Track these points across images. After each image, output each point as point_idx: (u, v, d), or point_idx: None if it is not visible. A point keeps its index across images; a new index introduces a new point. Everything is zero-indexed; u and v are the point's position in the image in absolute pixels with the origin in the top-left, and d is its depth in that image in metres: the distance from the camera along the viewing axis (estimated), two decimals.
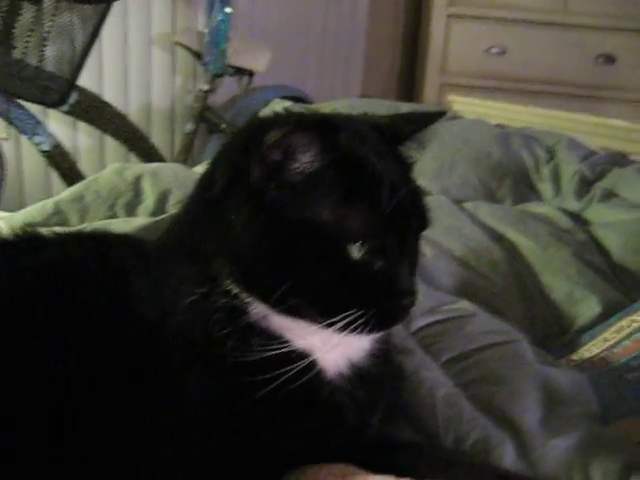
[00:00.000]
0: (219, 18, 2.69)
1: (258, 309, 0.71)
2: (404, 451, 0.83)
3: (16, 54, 1.85)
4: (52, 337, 0.70)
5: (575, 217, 1.54)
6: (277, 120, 0.73)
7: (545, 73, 3.37)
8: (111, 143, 2.45)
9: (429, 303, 1.06)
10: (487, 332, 1.00)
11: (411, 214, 0.72)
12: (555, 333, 1.26)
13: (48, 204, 1.29)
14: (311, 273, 0.68)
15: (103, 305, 0.73)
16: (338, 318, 0.69)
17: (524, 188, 1.70)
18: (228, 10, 2.72)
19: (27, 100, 1.90)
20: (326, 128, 0.69)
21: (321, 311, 0.70)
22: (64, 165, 2.11)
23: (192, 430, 0.71)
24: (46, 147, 2.06)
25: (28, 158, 2.34)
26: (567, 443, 0.79)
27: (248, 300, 0.71)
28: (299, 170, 0.68)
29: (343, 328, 0.69)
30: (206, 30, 2.74)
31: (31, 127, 2.02)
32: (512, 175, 1.71)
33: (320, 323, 0.70)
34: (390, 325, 0.75)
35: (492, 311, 1.16)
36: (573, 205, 1.60)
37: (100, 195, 1.31)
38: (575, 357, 1.15)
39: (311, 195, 0.68)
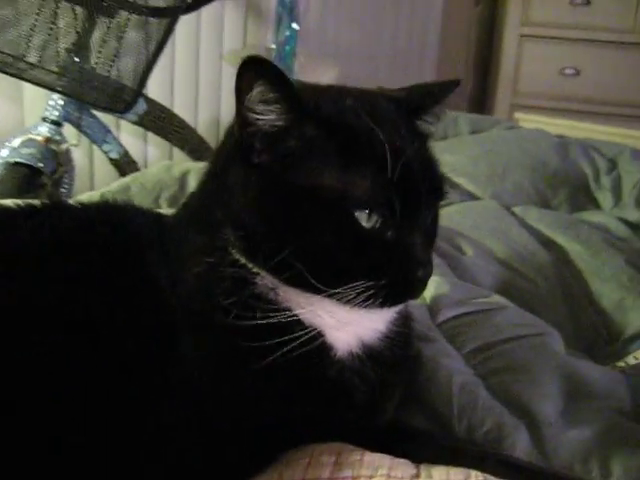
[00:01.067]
0: (286, 34, 2.75)
1: (265, 280, 0.70)
2: (415, 440, 0.80)
3: (89, 64, 1.95)
4: (64, 296, 0.72)
5: (634, 226, 1.47)
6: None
7: (620, 94, 3.27)
8: (178, 155, 2.52)
9: (459, 295, 1.02)
10: (517, 325, 0.95)
11: (422, 183, 0.69)
12: (602, 341, 1.19)
13: (95, 195, 1.33)
14: (314, 239, 0.67)
15: (116, 270, 0.74)
16: (346, 288, 0.66)
17: (582, 197, 1.64)
18: (295, 27, 2.78)
19: (96, 107, 1.98)
20: (311, 93, 0.69)
21: (327, 280, 0.67)
22: (131, 173, 2.18)
23: (193, 397, 0.70)
24: (114, 155, 2.13)
25: (99, 166, 2.43)
26: (586, 434, 0.74)
27: (255, 271, 0.70)
28: (273, 129, 0.67)
29: (352, 300, 0.67)
30: (273, 46, 2.81)
31: (101, 136, 2.10)
32: (569, 184, 1.66)
33: (326, 293, 0.67)
34: (403, 298, 0.71)
35: (533, 313, 1.11)
36: (633, 215, 1.53)
37: (145, 187, 1.34)
38: (620, 364, 1.09)
39: (306, 160, 0.67)
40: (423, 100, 0.76)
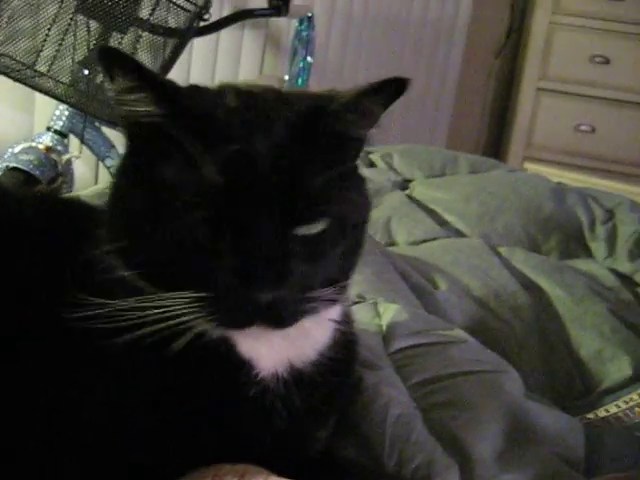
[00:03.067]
0: (300, 66, 2.76)
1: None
2: (342, 473, 0.74)
3: (98, 79, 1.95)
4: None
5: (624, 277, 1.41)
6: None
7: (635, 154, 3.21)
8: None
9: (418, 325, 0.96)
10: (471, 360, 0.89)
11: (267, 195, 0.60)
12: (576, 391, 1.13)
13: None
14: (146, 235, 0.62)
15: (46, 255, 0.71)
16: (175, 295, 0.60)
17: (574, 245, 1.58)
18: (309, 59, 2.79)
19: (102, 120, 1.98)
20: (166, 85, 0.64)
21: (156, 282, 0.62)
22: None
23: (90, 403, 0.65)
24: None
25: (104, 180, 2.42)
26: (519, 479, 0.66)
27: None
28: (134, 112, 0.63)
29: (181, 310, 0.60)
30: (287, 77, 2.81)
31: (104, 150, 2.09)
32: (562, 230, 1.59)
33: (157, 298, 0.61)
34: (236, 320, 0.62)
35: (504, 357, 1.04)
36: (625, 266, 1.47)
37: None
38: (590, 415, 1.02)
39: (157, 154, 0.63)
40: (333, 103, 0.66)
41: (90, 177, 2.40)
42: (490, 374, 0.85)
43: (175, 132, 0.61)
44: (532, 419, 0.78)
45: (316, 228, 0.62)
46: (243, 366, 0.67)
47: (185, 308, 0.60)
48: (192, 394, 0.66)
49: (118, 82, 0.62)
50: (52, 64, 1.85)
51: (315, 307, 0.64)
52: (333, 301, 0.66)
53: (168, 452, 0.66)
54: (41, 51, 1.84)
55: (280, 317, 0.62)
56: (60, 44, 1.89)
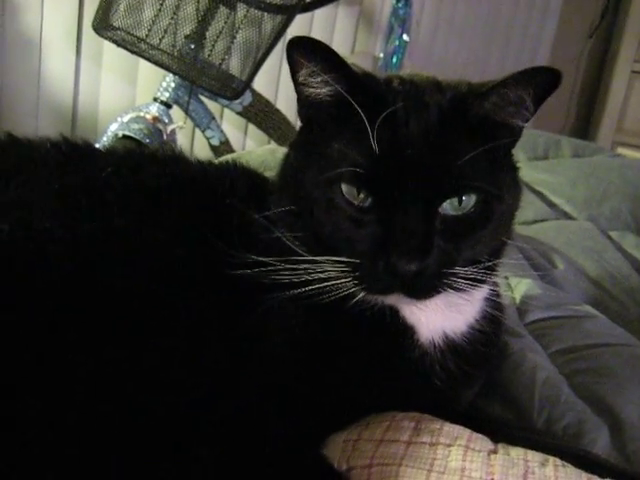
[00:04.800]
0: (395, 44, 2.80)
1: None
2: (493, 424, 0.81)
3: (204, 52, 2.04)
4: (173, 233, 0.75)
5: None
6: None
7: None
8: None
9: (549, 300, 1.03)
10: (606, 333, 0.95)
11: (415, 170, 0.66)
12: None
13: None
14: (310, 206, 0.71)
15: (220, 219, 0.78)
16: (327, 259, 0.68)
17: None
18: (405, 38, 2.82)
19: (206, 91, 2.07)
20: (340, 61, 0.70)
21: (314, 248, 0.70)
22: None
23: (272, 359, 0.73)
24: (215, 142, 2.22)
25: (199, 151, 2.52)
26: None
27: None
28: (315, 93, 0.71)
29: (333, 272, 0.68)
30: (381, 55, 2.85)
31: (206, 121, 2.19)
32: None
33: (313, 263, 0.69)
34: (378, 287, 0.68)
35: None
36: None
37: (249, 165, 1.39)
38: None
39: (330, 127, 0.71)
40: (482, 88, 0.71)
41: (186, 147, 2.51)
42: (626, 347, 0.91)
43: (350, 109, 0.68)
44: None
45: (462, 208, 0.68)
46: (407, 330, 0.75)
47: (334, 272, 0.68)
48: (362, 352, 0.73)
49: (306, 67, 0.71)
50: (163, 38, 1.96)
51: (455, 284, 0.69)
52: (478, 281, 0.71)
53: (342, 403, 0.74)
54: (154, 25, 1.95)
55: (418, 289, 0.68)
56: (172, 18, 1.99)
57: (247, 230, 0.75)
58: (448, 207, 0.68)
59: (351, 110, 0.68)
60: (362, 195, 0.68)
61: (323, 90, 0.72)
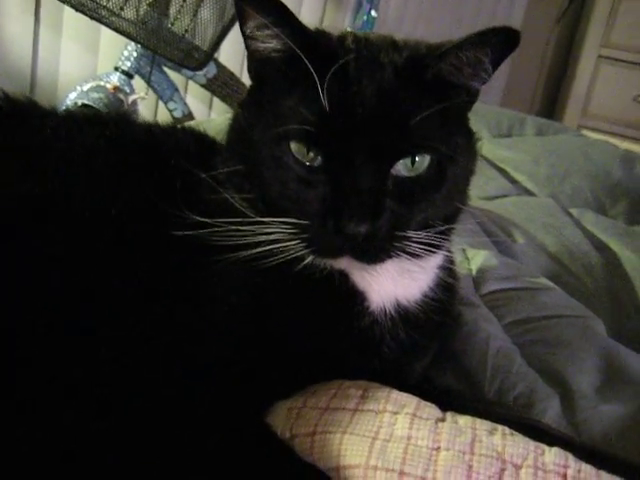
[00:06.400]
0: (363, 20, 2.76)
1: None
2: (443, 394, 0.79)
3: (167, 22, 1.98)
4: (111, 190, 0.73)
5: None
6: None
7: None
8: None
9: (506, 272, 1.01)
10: (561, 305, 0.94)
11: (373, 133, 0.64)
12: None
13: None
14: (260, 166, 0.68)
15: (162, 176, 0.76)
16: (275, 221, 0.66)
17: None
18: (374, 14, 2.78)
19: (169, 61, 2.02)
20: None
21: (263, 210, 0.68)
22: None
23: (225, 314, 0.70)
24: (178, 114, 2.16)
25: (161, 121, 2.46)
26: (621, 411, 0.72)
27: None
28: (264, 48, 0.68)
29: (281, 235, 0.66)
30: (350, 30, 2.81)
31: (169, 93, 2.14)
32: (630, 197, 1.62)
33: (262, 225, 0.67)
34: (327, 250, 0.66)
35: None
36: None
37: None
38: None
39: (279, 82, 0.69)
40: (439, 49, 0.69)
41: (149, 119, 2.44)
42: (580, 319, 0.91)
43: (300, 65, 0.65)
44: (623, 360, 0.83)
45: (416, 169, 0.65)
46: (357, 296, 0.72)
47: (282, 234, 0.66)
48: (309, 317, 0.71)
49: (255, 19, 0.67)
50: (125, 5, 1.89)
51: (408, 248, 0.67)
52: (431, 246, 0.69)
53: (287, 370, 0.71)
54: None
55: (368, 252, 0.65)
56: None
57: (192, 190, 0.72)
58: (401, 168, 0.66)
59: (302, 66, 0.65)
60: (312, 154, 0.65)
61: (272, 44, 0.68)
